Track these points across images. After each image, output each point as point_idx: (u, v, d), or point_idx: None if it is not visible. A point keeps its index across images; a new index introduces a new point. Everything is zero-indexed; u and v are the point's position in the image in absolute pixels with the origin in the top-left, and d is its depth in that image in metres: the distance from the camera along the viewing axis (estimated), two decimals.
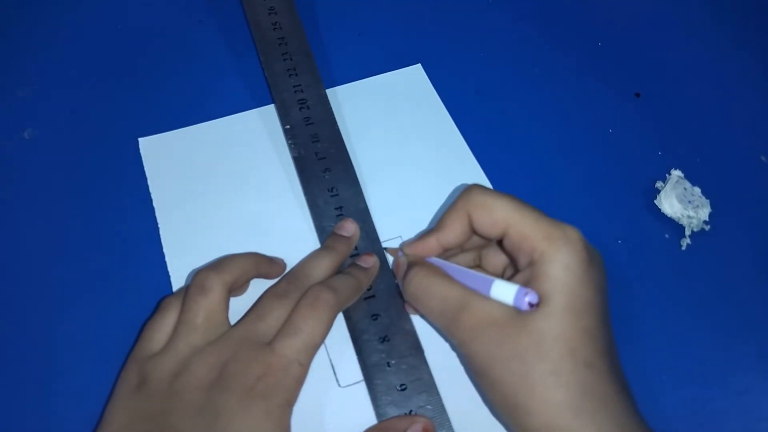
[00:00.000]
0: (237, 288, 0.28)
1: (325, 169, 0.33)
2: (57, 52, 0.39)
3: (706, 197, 0.35)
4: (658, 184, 0.35)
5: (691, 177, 0.35)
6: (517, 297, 0.23)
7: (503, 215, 0.25)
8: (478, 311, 0.24)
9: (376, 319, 0.29)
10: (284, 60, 0.37)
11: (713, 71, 0.41)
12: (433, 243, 0.27)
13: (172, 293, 0.28)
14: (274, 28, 0.38)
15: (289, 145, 0.34)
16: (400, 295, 0.29)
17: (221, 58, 0.39)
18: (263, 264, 0.29)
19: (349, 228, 0.31)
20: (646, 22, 0.43)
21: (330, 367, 0.28)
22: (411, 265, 0.27)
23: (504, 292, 0.23)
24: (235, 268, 0.27)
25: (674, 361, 0.30)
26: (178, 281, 0.30)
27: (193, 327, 0.25)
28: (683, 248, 0.34)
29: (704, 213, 0.34)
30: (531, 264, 0.24)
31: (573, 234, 0.24)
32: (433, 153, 0.36)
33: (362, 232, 0.31)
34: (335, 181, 0.33)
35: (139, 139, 0.35)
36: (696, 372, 0.30)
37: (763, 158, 0.37)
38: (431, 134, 0.36)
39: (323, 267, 0.29)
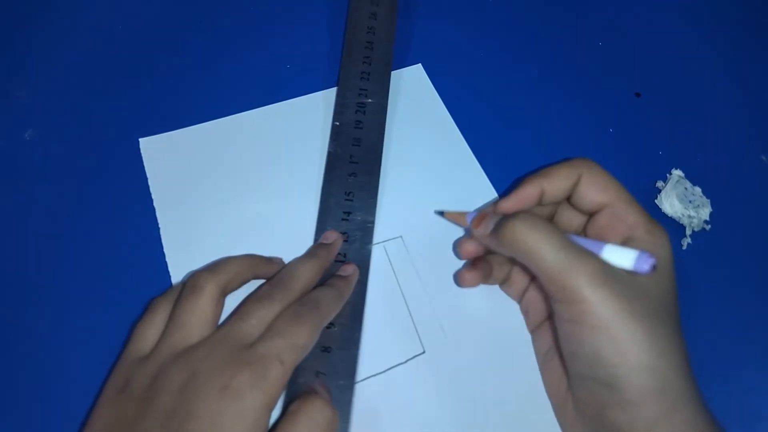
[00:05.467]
0: (231, 291, 0.28)
1: (352, 173, 0.33)
2: (57, 53, 0.39)
3: (707, 197, 0.35)
4: (659, 184, 0.35)
5: (692, 177, 0.35)
6: (639, 260, 0.23)
7: (615, 189, 0.27)
8: (602, 263, 0.24)
9: (328, 328, 0.28)
10: (363, 63, 0.37)
11: (714, 71, 0.41)
12: (535, 190, 0.27)
13: (160, 294, 0.28)
14: (368, 32, 0.39)
15: (330, 141, 0.34)
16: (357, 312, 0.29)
17: (221, 59, 0.39)
18: (260, 265, 0.29)
19: (330, 237, 0.31)
20: (646, 22, 0.43)
21: None
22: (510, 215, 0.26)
23: (620, 255, 0.24)
24: (230, 270, 0.27)
25: None
26: (178, 281, 0.30)
27: (179, 325, 0.25)
28: (684, 248, 0.34)
29: (705, 213, 0.34)
30: (631, 239, 0.25)
31: (665, 229, 0.26)
32: (433, 153, 0.36)
33: (357, 243, 0.31)
34: (356, 187, 0.33)
35: (140, 140, 0.35)
36: (696, 372, 0.30)
37: (763, 158, 0.37)
38: (432, 134, 0.36)
39: (306, 270, 0.28)
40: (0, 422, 0.27)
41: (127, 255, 0.32)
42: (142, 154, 0.35)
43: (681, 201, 0.34)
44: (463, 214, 0.30)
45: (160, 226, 0.32)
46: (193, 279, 0.26)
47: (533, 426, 0.27)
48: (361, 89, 0.36)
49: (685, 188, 0.34)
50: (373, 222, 0.32)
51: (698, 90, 0.40)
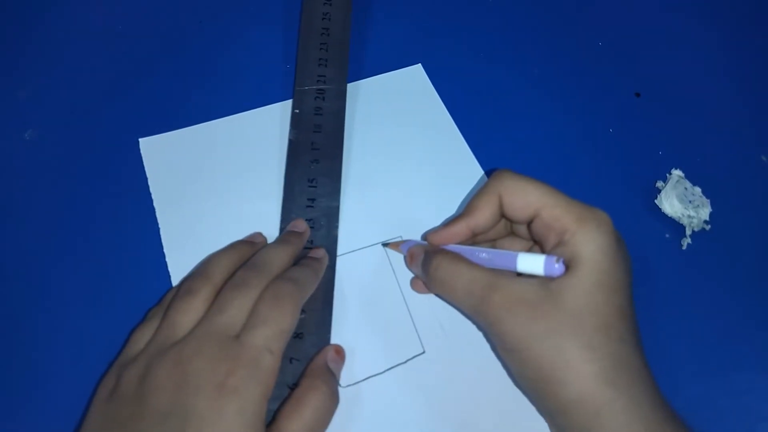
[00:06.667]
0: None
1: (314, 160, 0.33)
2: (57, 53, 0.39)
3: (707, 197, 0.35)
4: (659, 184, 0.35)
5: (692, 177, 0.35)
6: (547, 265, 0.24)
7: (536, 197, 0.26)
8: (509, 290, 0.24)
9: (300, 315, 0.28)
10: (320, 49, 0.37)
11: (713, 71, 0.41)
12: (462, 228, 0.27)
13: (157, 303, 0.29)
14: (323, 18, 0.38)
15: (291, 128, 0.34)
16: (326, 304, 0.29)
17: (221, 59, 0.39)
18: (247, 253, 0.29)
19: (301, 226, 0.31)
20: (646, 22, 0.43)
21: None
22: (432, 252, 0.27)
23: (531, 263, 0.24)
24: (223, 270, 0.27)
25: (674, 361, 0.30)
26: (178, 281, 0.30)
27: (169, 324, 0.25)
28: (684, 248, 0.34)
29: (705, 213, 0.34)
30: (561, 244, 0.25)
31: (603, 216, 0.25)
32: (433, 153, 0.36)
33: (323, 229, 0.32)
34: (318, 173, 0.33)
35: (140, 140, 0.35)
36: (696, 372, 0.30)
37: (763, 158, 0.37)
38: (431, 134, 0.36)
39: (279, 254, 0.28)
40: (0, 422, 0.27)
41: (127, 255, 0.32)
42: (142, 154, 0.35)
43: (681, 201, 0.34)
44: (400, 243, 0.31)
45: (160, 226, 0.32)
46: (188, 283, 0.26)
47: (532, 426, 0.27)
48: (319, 75, 0.36)
49: (685, 188, 0.34)
50: (338, 207, 0.32)
51: (698, 90, 0.40)
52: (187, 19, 0.41)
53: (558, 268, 0.24)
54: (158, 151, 0.35)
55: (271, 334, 0.24)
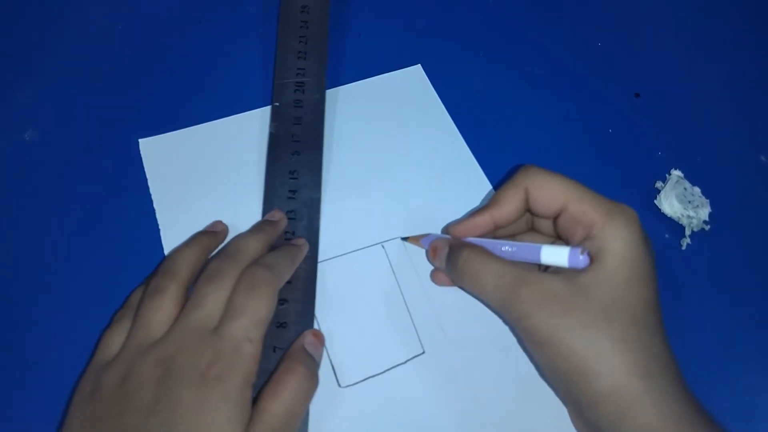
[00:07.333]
0: (191, 281, 0.28)
1: (295, 152, 0.34)
2: (57, 53, 0.39)
3: (706, 197, 0.35)
4: (658, 184, 0.35)
5: (691, 177, 0.35)
6: (572, 256, 0.24)
7: (563, 192, 0.26)
8: (538, 285, 0.24)
9: (282, 305, 0.29)
10: (299, 42, 0.37)
11: (713, 71, 0.41)
12: (486, 220, 0.28)
13: (122, 306, 0.29)
14: (302, 11, 0.39)
15: (271, 121, 0.35)
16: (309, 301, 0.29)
17: (222, 59, 0.39)
18: (211, 244, 0.29)
19: (275, 215, 0.31)
20: (646, 22, 0.43)
21: (330, 368, 0.28)
22: (457, 246, 0.27)
23: (555, 254, 0.24)
24: (188, 265, 0.27)
25: None
26: (135, 291, 0.30)
27: (143, 324, 0.25)
28: (683, 248, 0.34)
29: (704, 213, 0.34)
30: (589, 238, 0.25)
31: (630, 211, 0.25)
32: (432, 153, 0.36)
33: (304, 220, 0.32)
34: (299, 165, 0.33)
35: (140, 140, 0.35)
36: (696, 372, 0.29)
37: (763, 158, 0.37)
38: (431, 135, 0.36)
39: (251, 242, 0.28)
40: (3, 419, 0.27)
41: (126, 255, 0.32)
42: (142, 155, 0.35)
43: (680, 201, 0.34)
44: (421, 237, 0.31)
45: (160, 226, 0.32)
46: (155, 281, 0.27)
47: (533, 426, 0.27)
48: (298, 69, 0.36)
49: (685, 188, 0.35)
50: (319, 198, 0.33)
51: (698, 90, 0.40)
52: (187, 19, 0.41)
53: (583, 259, 0.24)
54: (158, 152, 0.35)
55: (249, 323, 0.24)
